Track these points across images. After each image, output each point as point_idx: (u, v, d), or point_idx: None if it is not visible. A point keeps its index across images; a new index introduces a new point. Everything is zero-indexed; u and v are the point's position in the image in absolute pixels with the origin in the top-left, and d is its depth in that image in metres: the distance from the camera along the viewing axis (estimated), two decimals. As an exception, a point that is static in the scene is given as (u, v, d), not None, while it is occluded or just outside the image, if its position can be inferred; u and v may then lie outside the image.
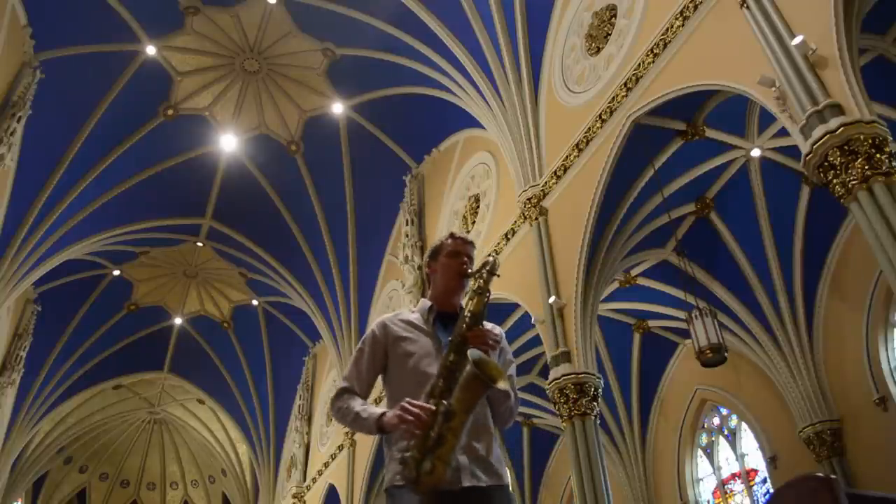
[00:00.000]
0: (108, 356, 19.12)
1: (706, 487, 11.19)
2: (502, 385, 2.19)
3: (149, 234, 16.04)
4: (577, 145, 8.74)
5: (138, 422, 23.85)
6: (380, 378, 2.64)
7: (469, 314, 2.34)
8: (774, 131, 8.39)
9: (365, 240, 15.27)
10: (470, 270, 2.53)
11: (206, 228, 16.41)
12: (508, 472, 2.49)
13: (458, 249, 2.63)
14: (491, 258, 2.44)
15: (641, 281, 10.44)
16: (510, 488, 2.42)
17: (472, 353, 2.19)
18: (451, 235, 2.70)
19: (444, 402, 2.18)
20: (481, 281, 2.38)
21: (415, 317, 2.62)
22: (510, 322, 10.33)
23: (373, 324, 2.68)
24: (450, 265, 2.62)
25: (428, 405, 2.19)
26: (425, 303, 2.67)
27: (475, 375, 2.14)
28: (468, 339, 2.29)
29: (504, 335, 2.66)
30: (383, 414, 2.31)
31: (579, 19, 9.45)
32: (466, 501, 2.23)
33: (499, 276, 2.44)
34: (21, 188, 12.53)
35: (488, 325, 2.49)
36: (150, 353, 20.04)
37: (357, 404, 2.45)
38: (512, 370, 2.59)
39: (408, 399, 2.24)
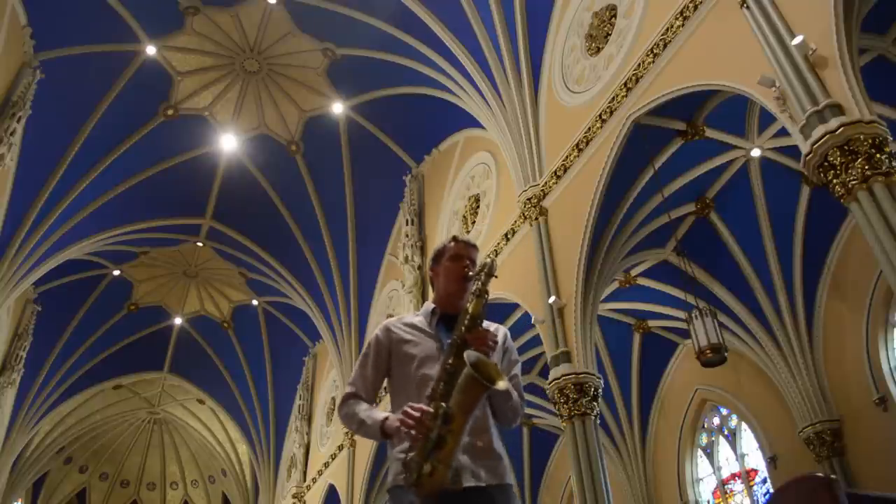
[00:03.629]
0: (108, 356, 19.14)
1: (706, 487, 11.19)
2: (502, 385, 2.18)
3: (149, 234, 16.04)
4: (577, 145, 8.74)
5: (138, 422, 23.85)
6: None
7: (468, 316, 2.35)
8: (774, 131, 8.39)
9: (365, 240, 15.27)
10: (471, 273, 2.54)
11: (206, 228, 16.41)
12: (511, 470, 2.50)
13: (461, 252, 2.64)
14: (489, 259, 2.45)
15: (641, 281, 10.43)
16: (513, 487, 2.41)
17: (469, 354, 2.19)
18: (454, 239, 2.72)
19: (444, 404, 2.18)
20: (479, 283, 2.39)
21: (418, 320, 2.63)
22: (510, 322, 10.33)
23: (376, 328, 2.69)
24: (452, 268, 2.63)
25: (427, 408, 2.19)
26: (429, 305, 2.68)
27: (472, 377, 2.14)
28: (467, 340, 2.29)
29: (509, 335, 2.67)
30: (386, 419, 2.33)
31: (579, 19, 9.45)
32: (467, 501, 2.23)
33: (496, 276, 2.45)
34: (21, 188, 12.53)
35: (492, 326, 2.50)
36: (150, 353, 20.05)
37: (361, 410, 2.46)
38: (517, 370, 2.61)
39: (409, 403, 2.24)
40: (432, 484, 2.12)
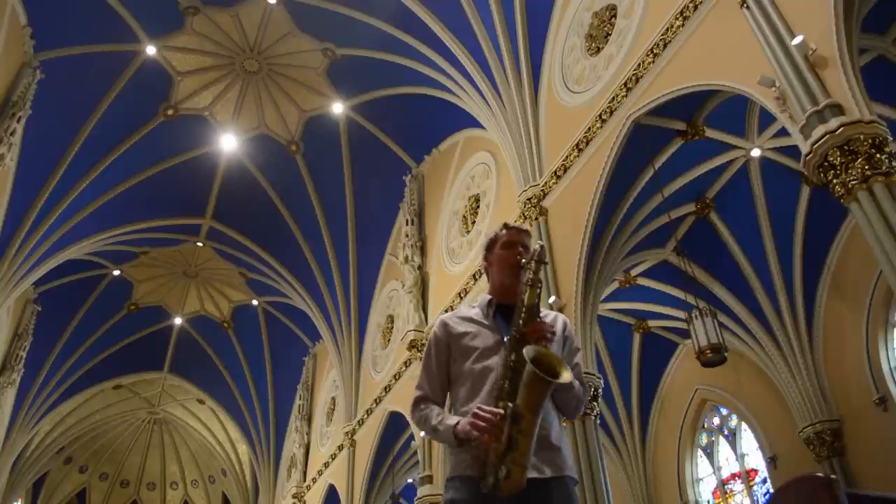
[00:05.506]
0: (108, 356, 19.14)
1: (706, 487, 11.20)
2: (566, 378, 2.16)
3: (149, 234, 16.04)
4: (577, 145, 8.74)
5: (138, 422, 23.85)
6: None
7: (524, 308, 2.32)
8: (774, 131, 8.40)
9: (365, 240, 15.27)
10: (524, 260, 2.50)
11: (206, 228, 16.41)
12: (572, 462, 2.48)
13: (513, 239, 2.61)
14: (538, 246, 2.41)
15: (641, 281, 10.43)
16: (573, 480, 2.38)
17: (528, 350, 2.17)
18: (505, 226, 2.69)
19: (511, 404, 2.16)
20: (531, 272, 2.36)
21: (475, 312, 2.60)
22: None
23: (434, 325, 2.68)
24: (505, 257, 2.59)
25: (497, 410, 2.17)
26: (484, 297, 2.65)
27: (535, 373, 2.12)
28: (525, 335, 2.27)
29: (569, 323, 2.63)
30: (457, 424, 2.30)
31: (579, 19, 9.45)
32: (526, 493, 2.21)
33: (547, 263, 2.43)
34: (21, 188, 12.52)
35: (550, 316, 2.50)
36: (150, 353, 20.05)
37: (433, 415, 2.43)
38: (578, 358, 2.57)
39: (479, 405, 2.23)
40: (510, 486, 2.12)
